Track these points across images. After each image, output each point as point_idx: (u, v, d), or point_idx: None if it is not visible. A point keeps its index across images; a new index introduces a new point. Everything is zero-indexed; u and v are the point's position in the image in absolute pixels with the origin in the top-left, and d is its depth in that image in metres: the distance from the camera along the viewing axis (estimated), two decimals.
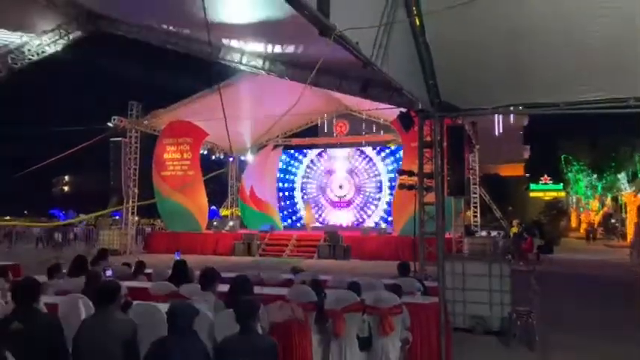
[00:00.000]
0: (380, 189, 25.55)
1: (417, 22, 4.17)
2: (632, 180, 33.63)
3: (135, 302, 4.42)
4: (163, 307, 3.88)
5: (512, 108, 5.73)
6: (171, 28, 12.06)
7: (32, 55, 14.32)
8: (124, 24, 12.84)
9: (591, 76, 5.10)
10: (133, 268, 7.65)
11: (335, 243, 19.33)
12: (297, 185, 27.21)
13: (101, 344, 3.39)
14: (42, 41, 14.10)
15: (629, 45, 4.56)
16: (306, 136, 28.96)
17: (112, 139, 22.08)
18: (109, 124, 21.59)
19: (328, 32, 2.46)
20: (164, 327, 3.40)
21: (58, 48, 14.27)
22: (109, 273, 6.29)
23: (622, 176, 35.48)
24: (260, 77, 18.02)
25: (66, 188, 45.32)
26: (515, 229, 21.75)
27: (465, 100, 5.49)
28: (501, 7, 4.29)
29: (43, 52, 14.30)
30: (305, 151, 27.65)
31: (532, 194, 48.48)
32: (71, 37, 13.96)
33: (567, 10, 4.37)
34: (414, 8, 4.11)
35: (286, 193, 27.17)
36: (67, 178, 45.33)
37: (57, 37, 14.02)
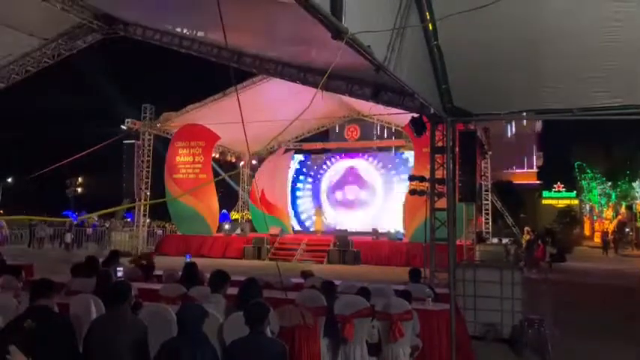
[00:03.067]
0: (391, 194, 25.45)
1: (430, 27, 4.16)
2: None
3: (145, 303, 4.45)
4: (173, 308, 3.91)
5: (525, 113, 5.70)
6: (185, 31, 12.16)
7: (49, 59, 14.54)
8: (140, 27, 12.98)
9: (606, 83, 5.04)
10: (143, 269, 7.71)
11: (345, 248, 19.28)
12: (310, 189, 27.23)
13: (112, 344, 3.41)
14: (58, 44, 14.30)
15: None
16: (317, 141, 29.00)
17: (125, 141, 22.25)
18: (123, 127, 21.81)
19: (341, 35, 2.47)
20: (174, 328, 3.42)
21: (74, 51, 14.47)
22: (119, 274, 6.33)
23: (636, 184, 35.01)
24: (273, 81, 18.16)
25: (79, 190, 45.73)
26: (527, 237, 21.53)
27: (477, 105, 5.46)
28: (515, 12, 4.26)
29: (59, 55, 14.50)
30: (317, 155, 27.67)
31: (545, 202, 47.99)
32: (87, 40, 14.15)
33: (582, 15, 4.33)
34: (427, 13, 4.11)
35: (299, 195, 27.18)
36: (80, 179, 45.76)
37: (73, 41, 14.22)
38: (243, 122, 3.69)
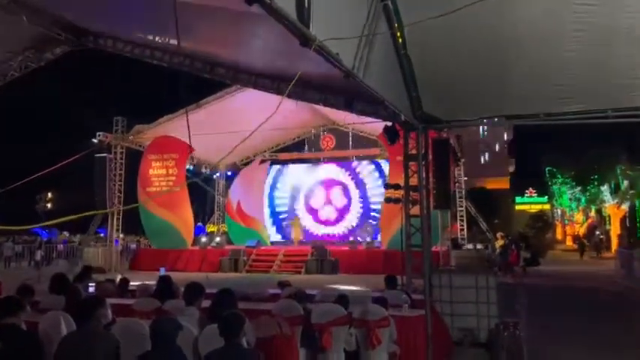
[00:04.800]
0: (369, 202, 25.59)
1: (398, 35, 4.23)
2: (614, 192, 34.10)
3: (118, 319, 4.35)
4: (148, 323, 3.83)
5: (494, 119, 5.83)
6: (157, 39, 12.04)
7: (15, 71, 14.20)
8: (110, 39, 12.79)
9: (571, 89, 5.21)
10: (117, 284, 7.56)
11: (323, 257, 19.25)
12: (286, 200, 27.19)
13: None
14: (25, 57, 14.00)
15: (605, 58, 4.66)
16: (293, 151, 29.03)
17: (96, 155, 21.83)
18: (94, 140, 21.42)
19: (309, 43, 2.49)
20: (148, 343, 3.35)
21: (42, 64, 14.17)
22: (91, 290, 6.19)
23: (605, 188, 35.98)
24: (247, 92, 18.14)
25: (49, 205, 44.55)
26: (500, 242, 21.89)
27: (447, 112, 5.56)
28: (482, 20, 4.37)
29: (26, 67, 14.18)
30: (293, 165, 27.70)
31: (517, 207, 49.01)
32: (56, 52, 13.88)
33: (546, 24, 4.47)
34: (395, 23, 4.17)
35: (276, 208, 27.14)
36: (50, 195, 44.60)
37: (41, 53, 13.93)
38: (190, 135, 3.67)
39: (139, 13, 10.41)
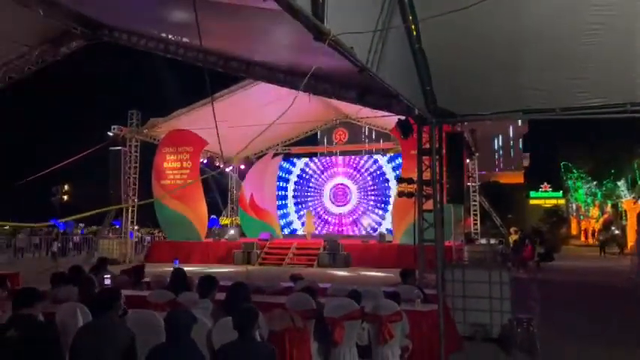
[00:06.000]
0: (381, 196, 25.54)
1: (413, 29, 4.19)
2: (631, 187, 33.57)
3: (132, 310, 4.40)
4: (162, 315, 3.87)
5: (509, 114, 5.76)
6: (170, 36, 12.09)
7: (32, 65, 14.36)
8: (125, 33, 12.86)
9: (589, 83, 5.12)
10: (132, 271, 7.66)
11: (335, 251, 19.28)
12: (293, 193, 27.28)
13: (98, 352, 3.37)
14: (41, 51, 14.14)
15: (624, 51, 4.58)
16: (306, 144, 29.03)
17: (111, 148, 22.04)
18: (109, 133, 21.62)
19: (323, 37, 2.47)
20: (162, 335, 3.39)
21: (58, 57, 14.30)
22: (107, 282, 6.27)
23: (621, 183, 35.45)
24: (261, 86, 18.15)
25: (65, 197, 45.06)
26: (514, 237, 21.69)
27: (462, 107, 5.50)
28: (498, 13, 4.31)
29: (42, 61, 14.33)
30: (304, 159, 27.71)
31: (532, 202, 48.53)
32: (71, 46, 13.99)
33: (563, 17, 4.39)
34: (409, 16, 4.13)
35: (284, 201, 27.23)
36: (66, 187, 45.09)
37: (57, 47, 14.06)
38: (217, 128, 3.70)
39: (154, 9, 10.44)
